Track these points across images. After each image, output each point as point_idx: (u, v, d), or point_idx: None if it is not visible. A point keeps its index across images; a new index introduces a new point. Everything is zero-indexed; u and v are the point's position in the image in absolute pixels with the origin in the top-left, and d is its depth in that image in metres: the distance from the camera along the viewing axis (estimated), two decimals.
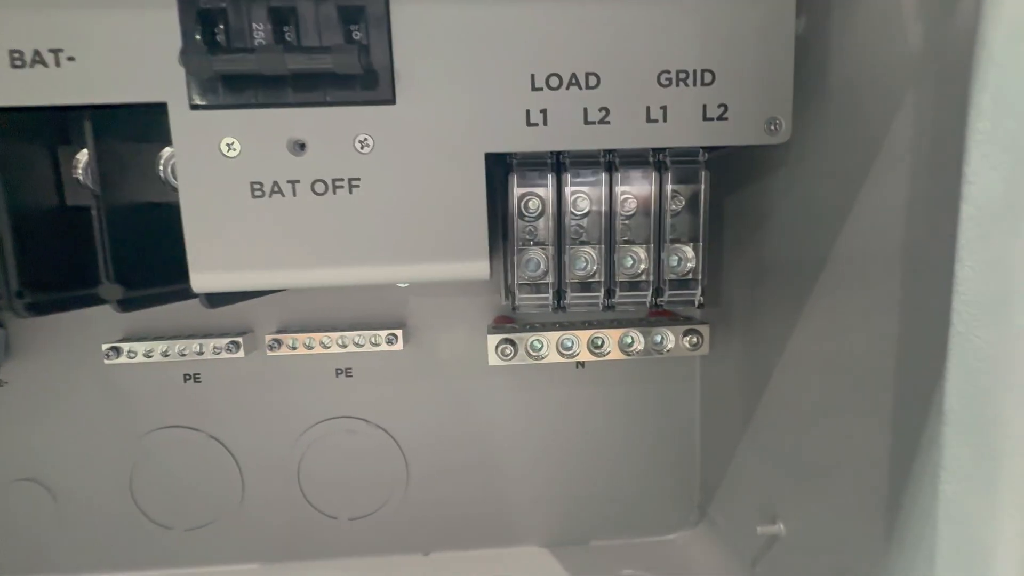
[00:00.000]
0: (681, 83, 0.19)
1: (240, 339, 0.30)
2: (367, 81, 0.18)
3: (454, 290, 0.32)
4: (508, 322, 0.31)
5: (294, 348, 0.31)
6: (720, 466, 0.32)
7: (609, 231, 0.22)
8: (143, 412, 0.32)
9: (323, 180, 0.19)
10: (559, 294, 0.23)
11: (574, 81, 0.19)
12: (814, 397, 0.23)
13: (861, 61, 0.19)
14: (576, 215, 0.23)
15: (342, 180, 0.19)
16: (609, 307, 0.23)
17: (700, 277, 0.23)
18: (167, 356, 0.30)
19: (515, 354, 0.28)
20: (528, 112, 0.19)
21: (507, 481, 0.34)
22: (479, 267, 0.19)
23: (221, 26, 0.18)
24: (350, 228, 0.19)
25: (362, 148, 0.19)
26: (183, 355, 0.30)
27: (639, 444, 0.34)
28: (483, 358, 0.29)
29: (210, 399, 0.32)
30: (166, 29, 0.17)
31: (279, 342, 0.31)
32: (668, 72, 0.19)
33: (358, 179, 0.19)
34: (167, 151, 0.22)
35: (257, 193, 0.19)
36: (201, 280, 0.19)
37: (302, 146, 0.19)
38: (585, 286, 0.23)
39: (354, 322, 0.32)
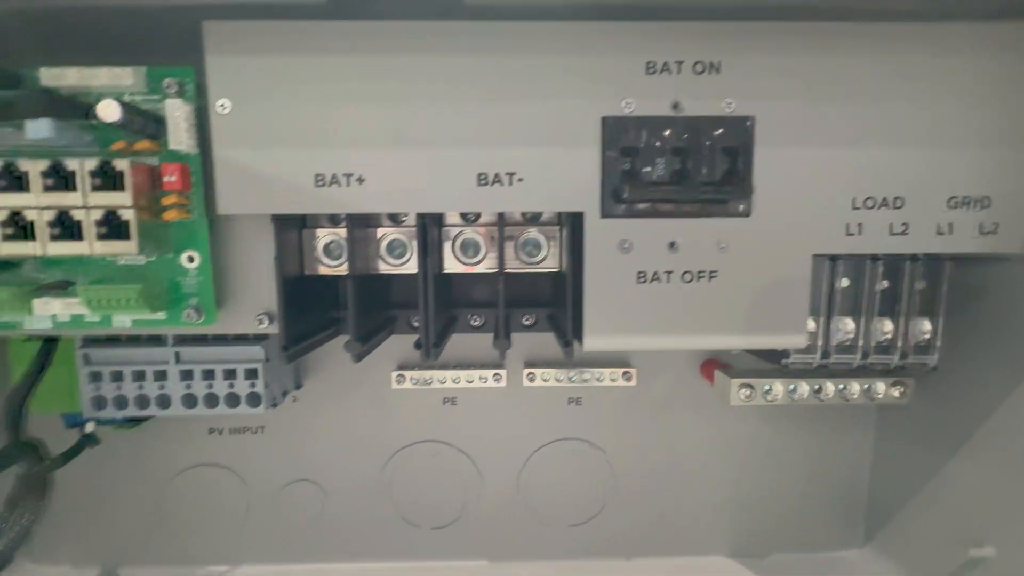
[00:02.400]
0: (965, 206, 0.24)
1: (503, 371, 0.37)
2: (733, 203, 0.24)
3: None
4: (719, 365, 0.36)
5: (533, 380, 0.36)
6: (894, 493, 0.38)
7: (869, 306, 0.28)
8: (405, 428, 0.39)
9: (690, 271, 0.25)
10: (825, 353, 0.29)
11: (884, 203, 0.24)
12: None
13: None
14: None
15: (704, 272, 0.25)
16: (862, 367, 0.29)
17: (937, 343, 0.29)
18: (428, 384, 0.37)
19: (752, 396, 0.34)
20: (847, 225, 0.25)
21: (697, 496, 0.39)
22: (799, 339, 0.25)
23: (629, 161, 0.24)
24: (708, 308, 0.25)
25: (721, 249, 0.25)
26: (442, 383, 0.36)
27: (814, 473, 0.39)
28: (694, 396, 0.37)
29: (462, 419, 0.38)
30: (590, 165, 0.24)
31: (533, 376, 0.37)
32: (955, 197, 0.24)
33: (716, 271, 0.25)
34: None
35: (641, 279, 0.25)
36: (593, 341, 0.25)
37: (676, 246, 0.25)
38: (844, 349, 0.29)
39: (589, 361, 0.37)
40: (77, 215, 0.23)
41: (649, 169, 0.24)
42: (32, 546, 0.39)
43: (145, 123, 0.23)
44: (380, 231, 0.29)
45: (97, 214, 0.23)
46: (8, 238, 0.23)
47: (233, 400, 0.31)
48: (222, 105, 0.24)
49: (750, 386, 0.35)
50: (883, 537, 0.40)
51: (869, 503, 0.40)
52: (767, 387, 0.35)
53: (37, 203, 0.22)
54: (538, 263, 0.29)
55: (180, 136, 0.24)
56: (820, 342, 0.29)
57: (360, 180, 0.24)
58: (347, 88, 0.23)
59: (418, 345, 0.27)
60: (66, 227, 0.23)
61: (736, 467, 0.40)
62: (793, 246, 0.25)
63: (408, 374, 0.37)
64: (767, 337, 0.25)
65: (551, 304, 0.35)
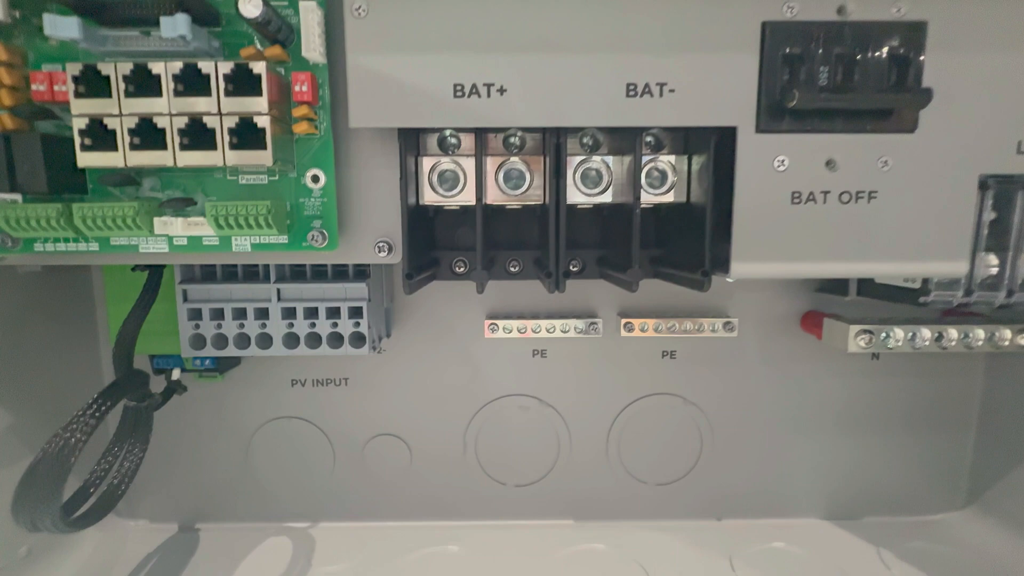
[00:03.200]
0: None
1: (599, 321, 0.36)
2: (899, 117, 0.23)
3: (764, 287, 0.36)
4: (823, 315, 0.34)
5: (631, 330, 0.34)
6: (1003, 451, 0.36)
7: (1017, 241, 0.26)
8: (492, 382, 0.37)
9: (848, 192, 0.23)
10: (968, 291, 0.27)
11: None
12: None
13: None
14: None
15: (863, 192, 0.23)
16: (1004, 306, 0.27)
17: None
18: (523, 333, 0.35)
19: (872, 342, 0.32)
20: (1020, 143, 0.23)
21: (792, 455, 0.38)
22: (959, 266, 0.24)
23: (790, 69, 0.22)
24: (867, 232, 0.23)
25: (883, 167, 0.23)
26: (536, 332, 0.34)
27: (914, 433, 0.38)
28: (793, 349, 0.35)
29: (553, 372, 0.37)
30: (747, 74, 0.22)
31: (631, 325, 0.36)
32: None
33: (876, 192, 0.23)
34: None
35: (796, 200, 0.23)
36: (741, 269, 0.24)
37: (834, 164, 0.23)
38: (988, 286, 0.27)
39: (688, 311, 0.35)
40: (210, 122, 0.21)
41: (811, 79, 0.23)
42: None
43: (280, 26, 0.22)
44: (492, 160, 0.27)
45: (231, 121, 0.21)
46: (136, 147, 0.22)
47: (336, 340, 0.30)
48: (359, 8, 0.23)
49: (869, 332, 0.33)
50: (988, 499, 0.38)
51: (973, 463, 0.39)
52: (886, 333, 0.34)
53: (169, 108, 0.21)
54: (664, 192, 0.27)
55: (313, 43, 0.22)
56: (967, 267, 0.27)
57: (501, 91, 0.23)
58: None
59: (548, 274, 0.25)
60: (197, 135, 0.22)
61: (833, 425, 0.38)
62: (959, 164, 0.23)
63: (501, 323, 0.35)
64: (926, 264, 0.23)
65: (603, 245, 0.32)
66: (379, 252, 0.26)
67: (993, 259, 0.28)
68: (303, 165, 0.24)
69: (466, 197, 0.27)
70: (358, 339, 0.30)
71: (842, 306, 0.35)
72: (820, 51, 0.23)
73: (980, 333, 0.33)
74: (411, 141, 0.26)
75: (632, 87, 0.23)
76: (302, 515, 0.39)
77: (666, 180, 0.28)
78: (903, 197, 0.23)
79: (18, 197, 0.23)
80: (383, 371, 0.37)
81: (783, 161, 0.23)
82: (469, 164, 0.27)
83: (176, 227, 0.23)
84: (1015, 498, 0.37)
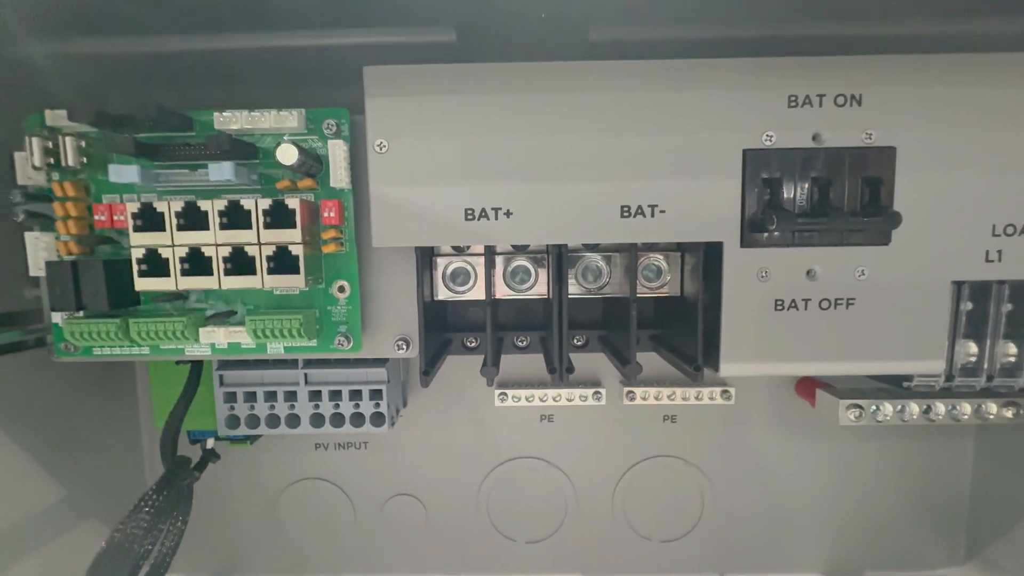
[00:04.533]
0: None
1: (603, 391, 0.38)
2: (873, 232, 0.24)
3: None
4: (818, 385, 0.35)
5: (634, 399, 0.36)
6: (1000, 507, 0.37)
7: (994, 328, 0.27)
8: (502, 445, 0.40)
9: (828, 299, 0.25)
10: (949, 376, 0.29)
11: None
12: None
13: None
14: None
15: (842, 299, 0.25)
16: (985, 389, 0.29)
17: None
18: (531, 402, 0.38)
19: (862, 416, 0.34)
20: (987, 252, 0.25)
21: (792, 513, 0.40)
22: (936, 364, 0.25)
23: (769, 192, 0.24)
24: (847, 335, 0.25)
25: (860, 276, 0.25)
26: (544, 401, 0.36)
27: (910, 491, 0.39)
28: (788, 414, 0.37)
29: (559, 436, 0.39)
30: (731, 196, 0.24)
31: (633, 394, 0.38)
32: None
33: (854, 299, 0.25)
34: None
35: (779, 307, 0.25)
36: (730, 368, 0.26)
37: (814, 274, 0.25)
38: (968, 372, 0.29)
39: (687, 380, 0.36)
40: (251, 251, 0.24)
41: (789, 199, 0.25)
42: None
43: (312, 164, 0.25)
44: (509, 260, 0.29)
45: (269, 250, 0.24)
46: (186, 273, 0.25)
47: (358, 420, 0.32)
48: (380, 144, 0.25)
49: (859, 406, 0.35)
50: (988, 555, 0.40)
51: (970, 518, 0.40)
52: (875, 407, 0.35)
53: (215, 240, 0.24)
54: (659, 287, 0.29)
55: (340, 174, 0.25)
56: (944, 366, 0.29)
57: (508, 214, 0.25)
58: (496, 126, 0.25)
59: (552, 369, 0.28)
60: (238, 262, 0.25)
61: (831, 484, 0.40)
62: (932, 273, 0.25)
63: (511, 392, 0.38)
64: (904, 363, 0.26)
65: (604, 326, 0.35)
66: (398, 349, 0.29)
67: (972, 347, 0.29)
68: (330, 278, 0.27)
69: (477, 293, 0.30)
70: (379, 418, 0.32)
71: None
72: (797, 174, 0.25)
73: (967, 407, 0.33)
74: (426, 248, 0.28)
75: (626, 208, 0.25)
76: (326, 568, 0.41)
77: (661, 275, 0.30)
78: (880, 303, 0.25)
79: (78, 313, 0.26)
80: (400, 436, 0.40)
81: (766, 272, 0.25)
82: (479, 261, 0.30)
83: (219, 336, 0.26)
84: (1013, 555, 0.38)
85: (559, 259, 0.27)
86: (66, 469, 0.34)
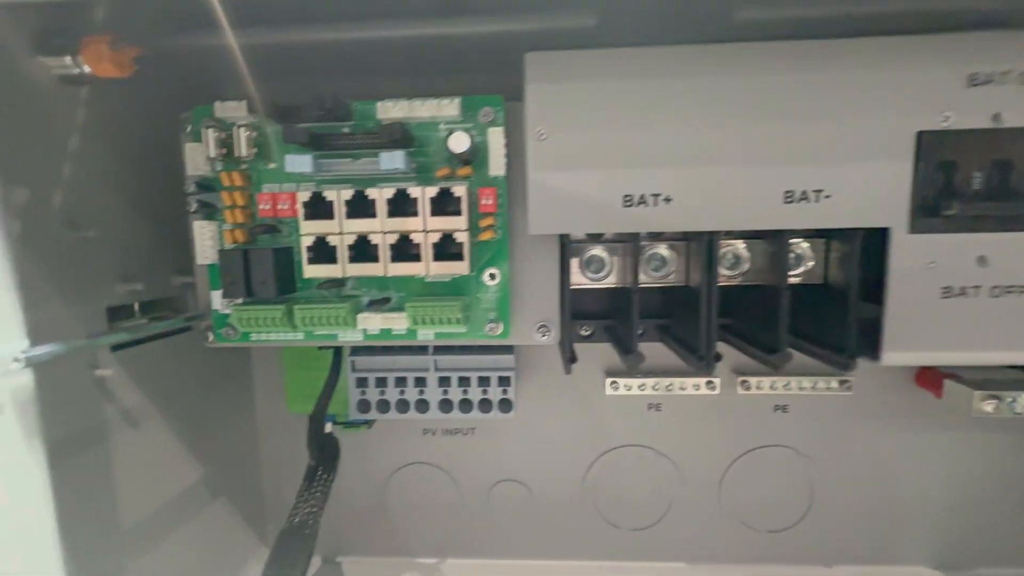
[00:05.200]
0: None
1: (716, 380, 0.38)
2: None
3: None
4: (942, 375, 0.34)
5: (748, 389, 0.36)
6: None
7: None
8: (609, 433, 0.40)
9: (999, 286, 0.25)
10: None
11: None
12: None
13: None
14: None
15: (1014, 286, 0.24)
16: None
17: None
18: (642, 391, 0.37)
19: (999, 408, 0.32)
20: None
21: (903, 505, 0.39)
22: None
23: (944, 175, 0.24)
24: (1017, 324, 0.24)
25: None
26: (656, 390, 0.36)
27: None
28: (907, 404, 0.36)
29: (667, 425, 0.39)
30: (901, 180, 0.24)
31: (748, 383, 0.38)
32: None
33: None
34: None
35: (946, 295, 0.25)
36: (893, 357, 0.25)
37: (985, 260, 0.24)
38: None
39: (802, 368, 0.36)
40: (415, 238, 0.25)
41: (962, 183, 0.24)
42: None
43: (474, 152, 0.25)
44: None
45: (434, 237, 0.25)
46: (353, 260, 0.25)
47: (486, 406, 0.33)
48: (540, 132, 0.25)
49: (996, 397, 0.34)
50: None
51: None
52: (1013, 398, 0.34)
53: (382, 228, 0.25)
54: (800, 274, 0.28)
55: (497, 161, 0.26)
56: None
57: (667, 200, 0.25)
58: (657, 111, 0.24)
59: (701, 357, 0.27)
60: (403, 249, 0.25)
61: (945, 476, 0.39)
62: None
63: (622, 381, 0.38)
64: None
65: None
66: (541, 336, 0.29)
67: None
68: (482, 265, 0.27)
69: (612, 280, 0.30)
70: (506, 405, 0.33)
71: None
72: (974, 157, 0.24)
73: None
74: (565, 235, 0.28)
75: (790, 194, 0.25)
76: (431, 551, 0.42)
77: (802, 263, 0.30)
78: None
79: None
80: (508, 421, 0.40)
81: (934, 259, 0.25)
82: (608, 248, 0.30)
83: (374, 322, 0.27)
84: None
85: (710, 245, 0.27)
86: (202, 450, 0.35)
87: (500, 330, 0.27)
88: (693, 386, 0.38)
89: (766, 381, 0.37)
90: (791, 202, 0.25)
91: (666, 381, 0.37)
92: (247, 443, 0.41)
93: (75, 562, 0.25)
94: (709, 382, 0.38)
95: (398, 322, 0.27)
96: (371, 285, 0.27)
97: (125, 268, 0.29)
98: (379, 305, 0.26)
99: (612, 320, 0.35)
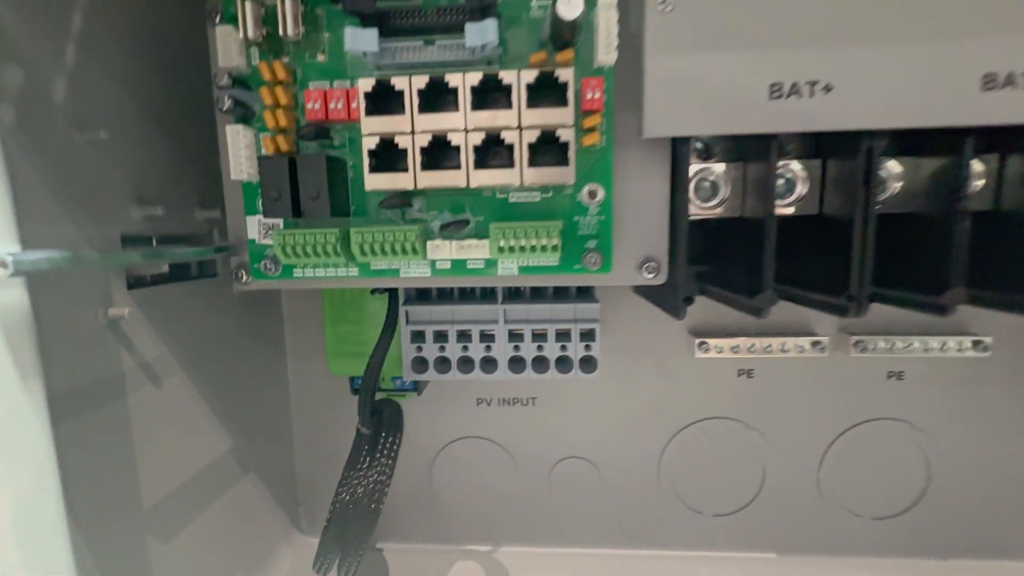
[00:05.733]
0: None
1: (824, 339, 0.33)
2: None
3: None
4: None
5: (863, 350, 0.31)
6: None
7: None
8: (691, 403, 0.34)
9: None
10: None
11: None
12: None
13: None
14: None
15: None
16: None
17: None
18: (736, 352, 0.32)
19: None
20: None
21: None
22: None
23: None
24: None
25: None
26: (752, 352, 0.31)
27: None
28: None
29: (760, 394, 0.34)
30: None
31: (863, 343, 0.32)
32: None
33: None
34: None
35: None
36: None
37: None
38: None
39: (922, 327, 0.31)
40: (508, 137, 0.20)
41: None
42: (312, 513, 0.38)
43: (577, 30, 0.21)
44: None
45: (531, 135, 0.20)
46: (426, 167, 0.21)
47: (565, 365, 0.28)
48: (664, 2, 0.21)
49: None
50: None
51: None
52: None
53: (464, 124, 0.20)
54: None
55: (608, 44, 0.20)
56: None
57: (827, 89, 0.20)
58: None
59: (851, 297, 0.21)
60: (488, 154, 0.20)
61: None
62: None
63: (712, 342, 0.33)
64: None
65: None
66: (647, 273, 0.24)
67: None
68: (581, 179, 0.22)
69: (726, 208, 0.24)
70: (589, 363, 0.28)
71: None
72: None
73: None
74: (682, 149, 0.22)
75: (991, 79, 0.20)
76: (484, 538, 0.37)
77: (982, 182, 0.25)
78: None
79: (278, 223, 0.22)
80: (574, 390, 0.35)
81: None
82: (720, 170, 0.24)
83: (447, 251, 0.22)
84: None
85: (869, 154, 0.22)
86: (229, 418, 0.30)
87: (600, 263, 0.22)
88: (797, 347, 0.32)
89: (884, 341, 0.32)
90: (993, 88, 0.20)
91: (764, 341, 0.32)
92: (277, 411, 0.36)
93: (85, 543, 0.20)
94: (817, 342, 0.32)
95: (476, 251, 0.22)
96: (443, 206, 0.22)
97: (141, 188, 0.24)
98: (455, 228, 0.22)
99: (714, 263, 0.27)
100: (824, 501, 0.35)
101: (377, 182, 0.20)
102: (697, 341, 0.32)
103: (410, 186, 0.20)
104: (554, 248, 0.21)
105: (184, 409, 0.27)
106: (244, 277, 0.25)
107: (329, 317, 0.30)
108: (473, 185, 0.20)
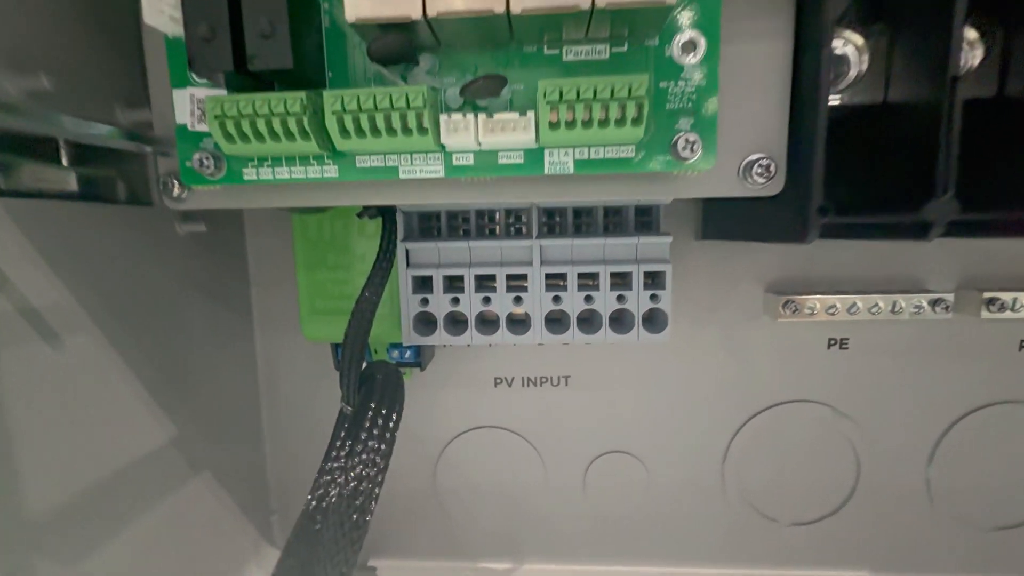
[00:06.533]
0: None
1: (949, 297, 0.25)
2: None
3: None
4: None
5: (1003, 310, 0.23)
6: None
7: None
8: (766, 383, 0.27)
9: None
10: None
11: None
12: None
13: None
14: None
15: None
16: None
17: None
18: (832, 314, 0.24)
19: None
20: None
21: None
22: None
23: None
24: None
25: None
26: (853, 313, 0.24)
27: None
28: None
29: (854, 369, 0.27)
30: None
31: (1001, 302, 0.25)
32: None
33: None
34: None
35: None
36: None
37: None
38: None
39: None
40: None
41: None
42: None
43: None
44: None
45: None
46: None
47: (624, 322, 0.20)
48: None
49: None
50: None
51: None
52: None
53: None
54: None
55: None
56: None
57: None
58: None
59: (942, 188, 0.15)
60: None
61: None
62: None
63: (800, 300, 0.25)
64: None
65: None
66: (757, 177, 0.18)
67: None
68: (671, 27, 0.15)
69: (858, 93, 0.17)
70: (657, 320, 0.20)
71: None
72: None
73: None
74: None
75: None
76: (502, 553, 0.30)
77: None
78: None
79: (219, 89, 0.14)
80: (615, 366, 0.28)
81: None
82: (856, 40, 0.17)
83: (469, 132, 0.15)
84: None
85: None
86: (175, 401, 0.23)
87: (698, 152, 0.15)
88: (913, 307, 0.25)
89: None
90: None
91: (869, 300, 0.25)
92: (242, 394, 0.29)
93: None
94: (938, 300, 0.25)
95: (514, 132, 0.14)
96: (465, 65, 0.15)
97: (17, 50, 0.16)
98: (484, 86, 0.14)
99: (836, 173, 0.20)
100: (935, 507, 0.28)
101: (363, 8, 0.14)
102: (783, 300, 0.25)
103: (416, 13, 0.14)
104: (635, 121, 0.14)
105: (102, 389, 0.20)
106: (175, 188, 0.18)
107: (302, 260, 0.22)
108: (518, 11, 0.13)
